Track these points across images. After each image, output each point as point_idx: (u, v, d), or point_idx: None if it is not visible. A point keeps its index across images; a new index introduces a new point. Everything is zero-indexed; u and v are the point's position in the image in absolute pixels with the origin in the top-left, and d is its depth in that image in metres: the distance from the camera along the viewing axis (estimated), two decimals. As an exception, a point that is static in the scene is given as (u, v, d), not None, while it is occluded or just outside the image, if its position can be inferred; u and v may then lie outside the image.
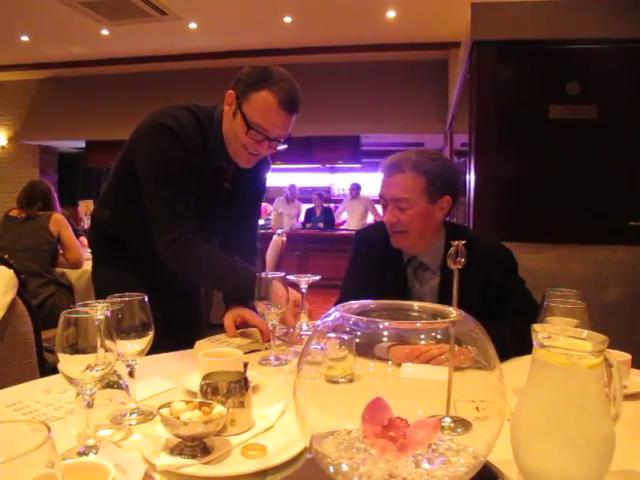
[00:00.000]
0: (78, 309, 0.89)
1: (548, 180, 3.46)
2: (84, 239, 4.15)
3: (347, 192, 9.24)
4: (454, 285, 0.88)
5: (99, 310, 0.89)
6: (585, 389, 0.72)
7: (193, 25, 6.83)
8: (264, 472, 0.84)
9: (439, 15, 6.12)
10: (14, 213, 3.49)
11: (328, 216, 8.85)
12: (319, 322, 0.78)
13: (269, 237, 4.86)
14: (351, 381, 0.99)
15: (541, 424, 0.73)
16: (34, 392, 1.18)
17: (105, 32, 7.03)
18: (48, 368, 1.58)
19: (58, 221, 3.48)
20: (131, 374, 1.05)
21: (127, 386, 1.04)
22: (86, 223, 4.80)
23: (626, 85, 3.41)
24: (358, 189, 8.78)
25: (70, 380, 0.85)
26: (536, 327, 0.76)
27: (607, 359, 0.74)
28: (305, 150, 8.82)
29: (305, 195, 9.52)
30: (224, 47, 7.62)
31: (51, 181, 4.74)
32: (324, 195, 9.43)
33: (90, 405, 0.87)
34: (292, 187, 9.05)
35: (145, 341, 1.05)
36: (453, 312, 0.75)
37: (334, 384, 0.94)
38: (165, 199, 1.56)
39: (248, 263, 1.75)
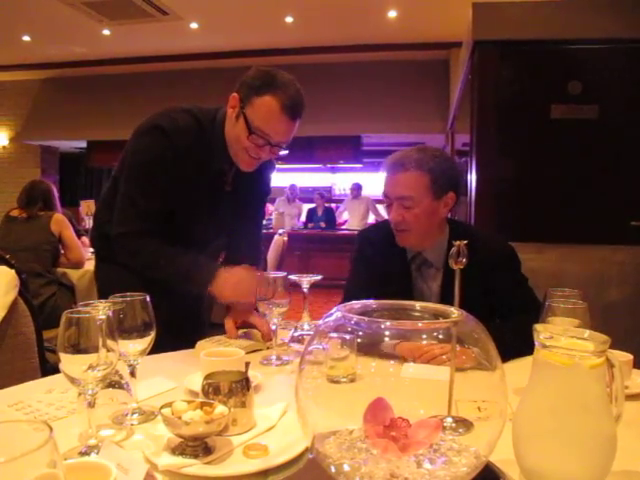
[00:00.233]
0: (80, 309, 0.89)
1: (549, 180, 3.45)
2: (85, 239, 4.16)
3: (348, 192, 9.24)
4: (456, 285, 0.88)
5: (101, 310, 0.89)
6: (587, 389, 0.72)
7: (194, 25, 6.83)
8: (266, 472, 0.84)
9: (440, 15, 6.11)
10: (15, 213, 3.49)
11: (330, 216, 8.85)
12: (321, 322, 0.78)
13: (270, 237, 4.85)
14: (353, 381, 0.99)
15: (543, 424, 0.73)
16: (36, 392, 1.18)
17: (106, 32, 7.04)
18: (50, 368, 1.58)
19: (59, 221, 3.48)
20: (133, 374, 1.05)
21: (129, 386, 1.04)
22: (87, 223, 4.80)
23: (627, 85, 3.41)
24: (359, 189, 8.78)
25: (72, 380, 0.85)
26: (538, 327, 0.76)
27: (609, 359, 0.74)
28: (306, 150, 8.81)
29: (306, 195, 9.53)
30: (225, 47, 7.62)
31: (52, 181, 4.73)
32: (325, 195, 9.44)
33: (92, 405, 0.87)
34: (292, 187, 9.05)
35: (147, 341, 1.06)
36: (455, 312, 0.75)
37: (336, 384, 0.94)
38: (131, 195, 1.59)
39: (252, 263, 1.75)
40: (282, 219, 8.64)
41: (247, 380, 1.02)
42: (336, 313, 0.75)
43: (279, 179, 9.16)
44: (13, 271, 1.56)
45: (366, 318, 0.72)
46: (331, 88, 8.03)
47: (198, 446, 0.88)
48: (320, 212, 8.85)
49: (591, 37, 3.38)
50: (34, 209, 3.46)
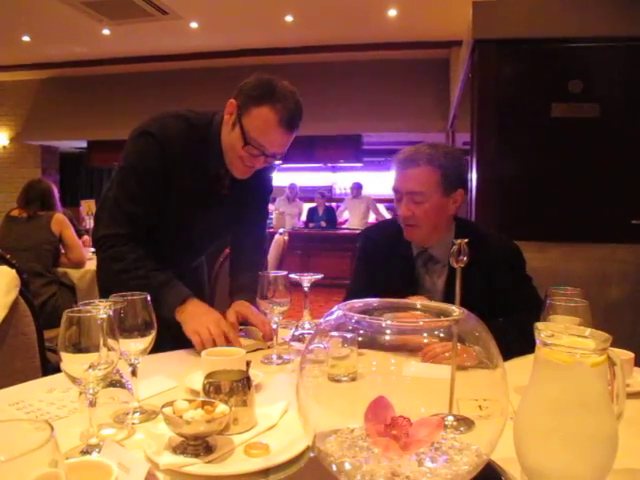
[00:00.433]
0: (81, 308, 0.89)
1: (550, 178, 3.45)
2: (86, 238, 4.16)
3: (349, 191, 9.24)
4: (457, 283, 0.88)
5: (102, 309, 0.89)
6: (588, 387, 0.71)
7: (194, 24, 6.83)
8: (267, 471, 0.84)
9: (440, 14, 6.11)
10: (15, 213, 3.49)
11: (330, 215, 8.85)
12: (322, 321, 0.78)
13: (271, 236, 4.85)
14: (354, 380, 0.99)
15: (544, 422, 0.73)
16: (37, 391, 1.18)
17: (106, 32, 7.03)
18: (50, 368, 1.58)
19: (60, 221, 3.48)
20: (134, 373, 1.05)
21: (130, 385, 1.04)
22: (88, 223, 4.80)
23: (628, 83, 3.40)
24: (360, 188, 8.78)
25: (73, 379, 0.85)
26: (539, 325, 0.76)
27: (610, 357, 0.74)
28: (307, 149, 8.80)
29: (307, 194, 9.52)
30: (225, 46, 7.61)
31: (53, 181, 4.73)
32: (326, 194, 9.44)
33: (93, 404, 0.87)
34: (292, 186, 9.05)
35: (148, 340, 1.06)
36: (456, 310, 0.75)
37: (337, 383, 0.94)
38: (118, 198, 1.59)
39: (254, 263, 1.75)
40: (283, 218, 8.63)
41: (248, 379, 1.02)
42: (337, 312, 0.75)
43: (279, 178, 9.16)
44: (14, 271, 1.56)
45: (367, 317, 0.72)
46: (331, 87, 8.03)
47: (199, 445, 0.88)
48: (321, 211, 8.85)
49: (592, 35, 3.38)
50: (33, 209, 3.46)
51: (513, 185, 3.47)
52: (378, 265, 1.74)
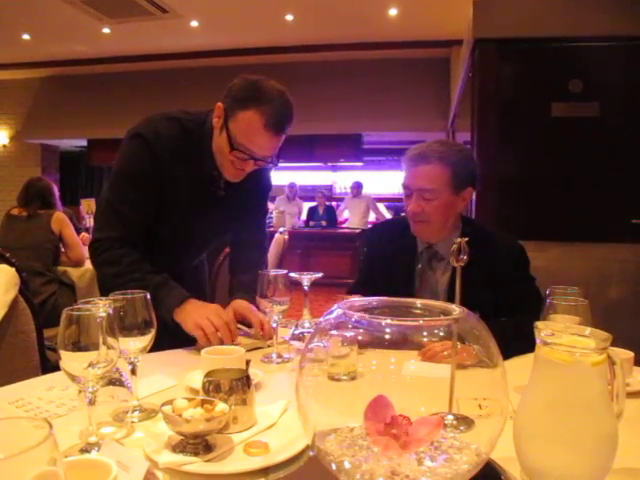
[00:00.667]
0: (80, 306, 0.89)
1: (550, 178, 3.45)
2: (84, 235, 4.16)
3: (349, 190, 9.24)
4: (457, 282, 0.87)
5: (101, 307, 0.89)
6: (588, 387, 0.71)
7: (194, 23, 6.82)
8: (266, 470, 0.84)
9: (441, 13, 6.11)
10: (15, 212, 3.49)
11: (331, 214, 8.85)
12: (321, 320, 0.78)
13: (271, 236, 4.85)
14: (353, 379, 0.99)
15: (544, 422, 0.73)
16: (36, 389, 1.18)
17: (107, 30, 7.03)
18: (50, 367, 1.58)
19: (59, 219, 3.48)
20: (133, 371, 1.05)
21: (129, 383, 1.04)
22: (88, 222, 4.81)
23: (628, 83, 3.40)
24: (360, 187, 8.78)
25: (72, 377, 0.85)
26: (539, 324, 0.76)
27: (610, 356, 0.74)
28: (307, 148, 8.81)
29: (307, 193, 9.52)
30: (226, 45, 7.61)
31: (53, 179, 4.74)
32: (326, 193, 9.44)
33: (92, 402, 0.87)
34: (292, 185, 9.05)
35: (147, 338, 1.06)
36: (456, 309, 0.75)
37: (336, 382, 0.94)
38: (111, 201, 1.58)
39: (254, 261, 1.75)
40: (283, 218, 8.63)
41: (248, 378, 1.02)
42: (337, 311, 0.75)
43: (279, 178, 9.16)
44: (13, 269, 1.56)
45: (367, 315, 0.72)
46: (331, 86, 8.02)
47: (199, 444, 0.88)
48: (321, 211, 8.85)
49: (592, 35, 3.38)
50: (33, 207, 3.46)
51: (513, 184, 3.47)
52: (382, 259, 1.76)
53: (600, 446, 0.71)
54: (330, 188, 10.46)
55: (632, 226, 3.29)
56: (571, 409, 0.71)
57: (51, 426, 0.44)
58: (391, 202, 10.03)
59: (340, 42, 7.37)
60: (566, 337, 0.74)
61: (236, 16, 6.57)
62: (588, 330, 0.75)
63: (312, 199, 9.18)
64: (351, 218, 8.88)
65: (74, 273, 3.48)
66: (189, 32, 7.10)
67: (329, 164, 10.00)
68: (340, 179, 10.61)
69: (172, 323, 1.49)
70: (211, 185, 1.64)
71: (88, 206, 4.97)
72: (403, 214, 1.80)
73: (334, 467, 0.70)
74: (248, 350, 1.43)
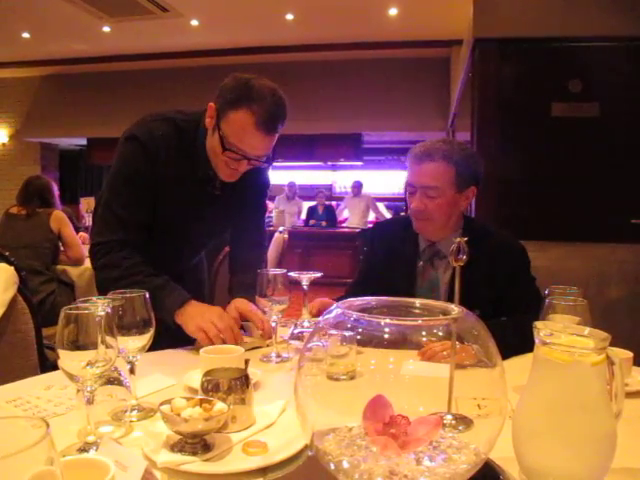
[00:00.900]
0: (79, 305, 0.89)
1: (550, 178, 3.45)
2: (83, 234, 4.15)
3: (349, 190, 9.24)
4: (456, 282, 0.87)
5: (100, 306, 0.89)
6: (587, 386, 0.71)
7: (195, 22, 6.82)
8: (265, 469, 0.84)
9: (441, 13, 6.10)
10: (14, 210, 3.48)
11: (330, 214, 8.85)
12: (320, 319, 0.78)
13: (271, 235, 4.86)
14: (352, 378, 0.98)
15: (543, 421, 0.73)
16: (35, 388, 1.18)
17: (107, 29, 7.02)
18: (49, 366, 1.58)
19: (59, 218, 3.47)
20: (132, 371, 1.05)
21: (128, 383, 1.04)
22: (87, 220, 4.81)
23: (628, 83, 3.40)
24: (360, 187, 8.78)
25: (70, 376, 0.85)
26: (538, 324, 0.76)
27: (609, 356, 0.74)
28: (307, 148, 8.81)
29: (307, 193, 9.52)
30: (226, 44, 7.60)
31: (53, 178, 4.73)
32: (327, 193, 9.44)
33: (90, 401, 0.87)
34: (291, 185, 9.05)
35: (146, 337, 1.06)
36: (455, 309, 0.75)
37: (335, 381, 0.93)
38: (109, 205, 1.58)
39: (254, 260, 1.75)
40: (282, 217, 8.63)
41: (246, 377, 1.01)
42: (336, 310, 0.75)
43: (279, 177, 9.17)
44: (12, 268, 1.56)
45: (366, 315, 0.72)
46: (331, 86, 8.02)
47: (197, 443, 0.87)
48: (321, 210, 8.85)
49: (592, 35, 3.38)
50: (32, 206, 3.45)
51: (513, 184, 3.47)
52: (383, 257, 1.76)
53: (599, 446, 0.71)
54: (330, 187, 10.46)
55: (632, 226, 3.29)
56: (570, 409, 0.71)
57: (48, 425, 0.44)
58: (391, 202, 10.05)
59: (340, 42, 7.37)
60: (565, 337, 0.74)
61: (236, 15, 6.56)
62: (587, 330, 0.75)
63: (312, 198, 9.18)
64: (351, 218, 8.89)
65: (73, 272, 3.48)
66: (189, 31, 7.09)
67: (329, 163, 9.99)
68: (340, 178, 10.61)
69: (174, 325, 1.49)
70: (207, 185, 1.63)
71: (88, 205, 4.97)
72: (403, 214, 1.81)
73: (333, 467, 0.70)
74: (247, 349, 1.43)
